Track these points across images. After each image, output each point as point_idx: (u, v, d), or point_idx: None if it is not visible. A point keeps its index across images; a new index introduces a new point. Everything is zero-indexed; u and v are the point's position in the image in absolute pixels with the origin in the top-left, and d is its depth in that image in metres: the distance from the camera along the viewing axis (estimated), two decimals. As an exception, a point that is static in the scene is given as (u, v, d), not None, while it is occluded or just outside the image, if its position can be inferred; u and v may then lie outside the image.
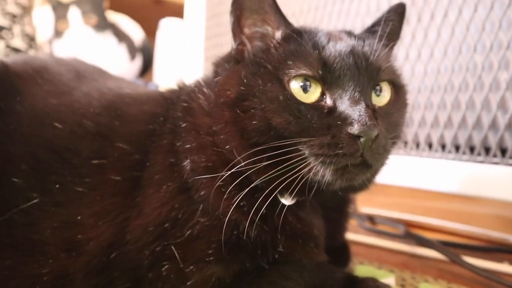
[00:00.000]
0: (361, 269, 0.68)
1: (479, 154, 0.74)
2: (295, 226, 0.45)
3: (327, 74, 0.42)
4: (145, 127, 0.49)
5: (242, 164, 0.42)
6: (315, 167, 0.40)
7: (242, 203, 0.43)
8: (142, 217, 0.44)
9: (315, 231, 0.47)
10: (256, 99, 0.42)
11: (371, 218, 1.03)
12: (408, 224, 0.96)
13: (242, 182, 0.43)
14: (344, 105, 0.41)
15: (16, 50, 1.32)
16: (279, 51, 0.45)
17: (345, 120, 0.40)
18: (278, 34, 0.46)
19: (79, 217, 0.44)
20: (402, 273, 0.68)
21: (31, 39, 1.54)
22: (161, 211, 0.44)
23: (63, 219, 0.44)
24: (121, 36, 1.90)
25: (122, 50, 1.88)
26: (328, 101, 0.42)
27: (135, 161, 0.47)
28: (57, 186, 0.45)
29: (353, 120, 0.39)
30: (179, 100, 0.50)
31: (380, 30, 0.49)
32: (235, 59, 0.48)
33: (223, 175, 0.43)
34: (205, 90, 0.49)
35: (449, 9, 0.76)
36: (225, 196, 0.43)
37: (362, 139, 0.39)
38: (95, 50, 1.78)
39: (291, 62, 0.42)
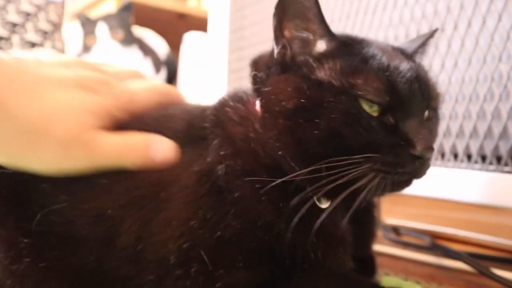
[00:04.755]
0: (387, 280, 0.68)
1: (506, 164, 0.73)
2: (328, 230, 0.45)
3: (394, 99, 0.44)
4: (168, 125, 0.49)
5: (299, 173, 0.43)
6: (372, 179, 0.42)
7: (281, 205, 0.44)
8: (166, 211, 0.44)
9: (346, 236, 0.47)
10: (323, 110, 0.43)
11: (395, 229, 1.02)
12: (434, 235, 0.95)
13: (283, 184, 0.44)
14: (406, 127, 0.43)
15: (31, 44, 1.37)
16: (335, 63, 0.45)
17: (408, 141, 0.42)
18: (323, 43, 0.47)
19: (109, 211, 0.45)
20: (428, 285, 0.68)
21: (45, 33, 1.58)
22: (186, 208, 0.44)
23: (95, 213, 0.45)
24: (146, 50, 1.95)
25: (147, 63, 1.93)
26: (391, 119, 0.44)
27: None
28: (82, 183, 0.45)
29: (416, 143, 0.42)
30: (205, 113, 0.50)
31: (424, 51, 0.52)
32: (280, 64, 0.47)
33: (263, 178, 0.44)
34: (231, 103, 0.49)
35: (473, 19, 0.76)
36: (263, 198, 0.44)
37: (419, 160, 0.42)
38: (121, 64, 1.83)
39: (360, 81, 0.43)
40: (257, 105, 0.49)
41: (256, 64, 0.51)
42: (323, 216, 0.43)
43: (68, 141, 0.41)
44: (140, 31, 1.99)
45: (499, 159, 0.74)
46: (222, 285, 0.43)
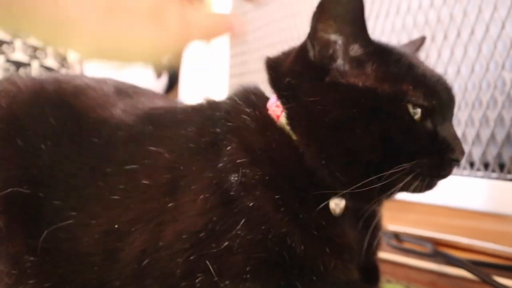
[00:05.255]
0: (389, 287, 0.67)
1: (509, 172, 0.73)
2: (340, 240, 0.45)
3: (437, 106, 0.45)
4: (177, 131, 0.48)
5: (356, 186, 0.43)
6: (413, 182, 0.44)
7: (300, 216, 0.44)
8: (176, 223, 0.43)
9: (354, 245, 0.47)
10: (376, 117, 0.43)
11: (397, 236, 1.01)
12: (436, 242, 0.94)
13: (303, 195, 0.44)
14: (444, 132, 0.46)
15: (49, 69, 1.37)
16: (378, 69, 0.45)
17: (448, 146, 0.45)
18: (360, 47, 0.46)
19: (116, 226, 0.44)
20: (431, 292, 0.67)
21: (63, 59, 1.60)
22: (196, 221, 0.43)
23: (102, 229, 0.45)
24: (148, 54, 1.94)
25: (148, 68, 1.93)
26: (430, 125, 0.45)
27: (166, 160, 0.46)
28: (92, 199, 0.46)
29: (454, 148, 0.45)
30: (215, 117, 0.49)
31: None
32: (319, 67, 0.46)
33: (284, 187, 0.44)
34: (246, 109, 0.48)
35: (476, 27, 0.76)
36: (282, 208, 0.43)
37: (455, 163, 0.45)
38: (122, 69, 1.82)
39: (411, 87, 0.44)
40: (274, 108, 0.48)
41: (276, 67, 0.49)
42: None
43: (156, 10, 0.37)
44: (141, 36, 1.99)
45: (501, 166, 0.74)
46: None
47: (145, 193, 0.45)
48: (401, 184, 0.43)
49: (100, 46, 0.37)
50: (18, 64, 1.43)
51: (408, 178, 0.43)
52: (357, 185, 0.43)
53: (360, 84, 0.45)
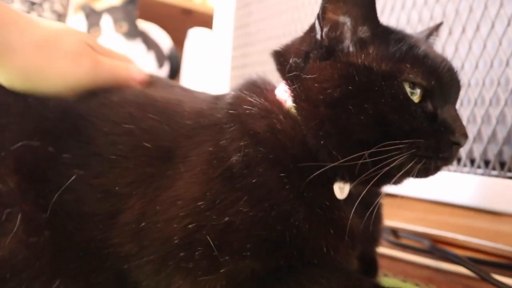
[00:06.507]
0: (386, 282, 0.67)
1: (509, 170, 0.73)
2: (344, 223, 0.45)
3: (436, 86, 0.45)
4: (176, 109, 0.49)
5: (344, 160, 0.43)
6: (410, 164, 0.43)
7: (305, 194, 0.44)
8: (172, 189, 0.44)
9: (355, 230, 0.47)
10: (372, 95, 0.43)
11: (395, 232, 1.02)
12: (433, 239, 0.95)
13: (308, 174, 0.44)
14: (445, 114, 0.45)
15: None
16: (381, 48, 0.45)
17: (448, 128, 0.44)
18: (367, 29, 0.46)
19: (116, 188, 0.45)
20: (427, 287, 0.67)
21: None
22: (192, 188, 0.43)
23: (104, 189, 0.45)
24: (150, 44, 1.94)
25: (150, 57, 1.92)
26: (430, 106, 0.45)
27: (163, 131, 0.47)
28: (94, 157, 0.46)
29: (454, 130, 0.44)
30: (217, 105, 0.50)
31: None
32: (326, 48, 0.46)
33: (289, 166, 0.44)
34: (250, 99, 0.48)
35: (481, 23, 0.75)
36: (287, 186, 0.43)
37: (456, 146, 0.44)
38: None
39: (408, 66, 0.44)
40: (281, 93, 0.48)
41: (284, 54, 0.50)
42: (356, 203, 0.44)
43: (76, 52, 0.50)
44: (144, 25, 1.98)
45: (502, 164, 0.74)
46: (226, 272, 0.42)
47: (145, 156, 0.46)
48: (395, 163, 0.42)
49: (27, 73, 0.48)
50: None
51: (403, 157, 0.42)
52: (348, 157, 0.43)
53: (359, 61, 0.45)
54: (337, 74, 0.45)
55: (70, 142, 0.47)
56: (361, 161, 0.43)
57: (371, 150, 0.42)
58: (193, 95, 0.55)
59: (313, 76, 0.45)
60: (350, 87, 0.44)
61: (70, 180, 0.45)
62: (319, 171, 0.44)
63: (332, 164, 0.44)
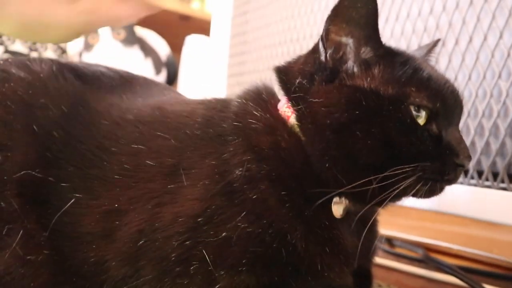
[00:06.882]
0: (379, 292, 0.68)
1: (502, 181, 0.73)
2: (339, 241, 0.46)
3: (441, 109, 0.45)
4: (185, 120, 0.49)
5: (353, 185, 0.43)
6: (417, 186, 0.44)
7: (305, 213, 0.44)
8: (174, 205, 0.44)
9: (350, 249, 0.47)
10: (379, 119, 0.43)
11: (389, 241, 1.02)
12: (427, 248, 0.95)
13: (308, 194, 0.44)
14: (449, 137, 0.45)
15: None
16: (385, 71, 0.46)
17: (453, 151, 0.45)
18: (370, 50, 0.46)
19: (116, 205, 0.45)
20: (420, 298, 0.68)
21: (62, 51, 1.59)
22: (194, 205, 0.43)
23: (104, 209, 0.45)
24: (147, 50, 1.95)
25: (148, 64, 1.92)
26: (435, 128, 0.45)
27: (171, 146, 0.47)
28: (97, 180, 0.46)
29: (459, 152, 0.44)
30: (222, 114, 0.49)
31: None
32: (330, 70, 0.46)
33: (291, 185, 0.45)
34: (255, 113, 0.48)
35: (474, 35, 0.76)
36: (287, 204, 0.44)
37: (460, 168, 0.45)
38: (122, 64, 1.83)
39: (414, 89, 0.44)
40: (285, 110, 0.48)
41: (287, 71, 0.50)
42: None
43: None
44: (142, 31, 1.99)
45: (495, 175, 0.75)
46: (221, 287, 0.42)
47: (148, 173, 0.46)
48: (402, 187, 0.43)
49: (24, 23, 0.47)
50: (17, 55, 1.43)
51: (409, 180, 0.43)
52: (355, 183, 0.43)
53: (365, 85, 0.45)
54: (344, 99, 0.45)
55: (70, 170, 0.47)
56: (369, 187, 0.43)
57: (377, 175, 0.43)
58: (191, 99, 0.56)
59: (319, 100, 0.45)
60: (357, 112, 0.44)
61: (68, 204, 0.45)
62: (326, 197, 0.44)
63: (339, 190, 0.44)
